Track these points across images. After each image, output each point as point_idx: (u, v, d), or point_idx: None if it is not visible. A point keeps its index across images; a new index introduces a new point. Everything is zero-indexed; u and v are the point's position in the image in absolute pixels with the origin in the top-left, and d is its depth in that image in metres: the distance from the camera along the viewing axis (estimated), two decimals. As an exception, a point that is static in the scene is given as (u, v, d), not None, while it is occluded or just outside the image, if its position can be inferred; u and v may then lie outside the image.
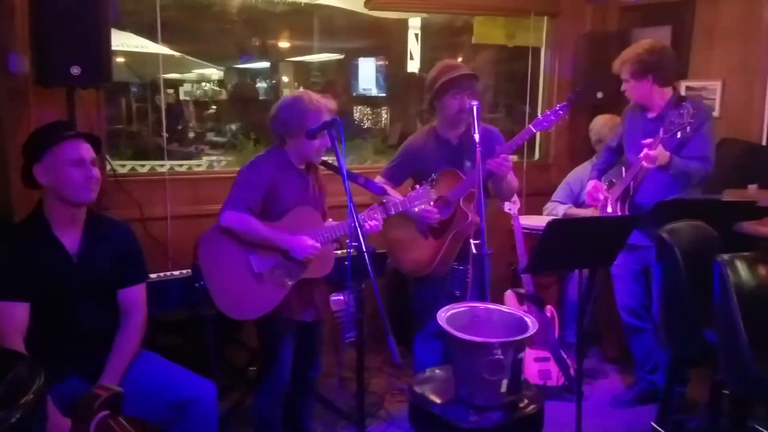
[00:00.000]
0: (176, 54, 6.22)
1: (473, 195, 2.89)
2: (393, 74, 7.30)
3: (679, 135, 2.84)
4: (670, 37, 4.14)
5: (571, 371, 3.47)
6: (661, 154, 2.91)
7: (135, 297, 2.37)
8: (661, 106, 3.14)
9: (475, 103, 2.76)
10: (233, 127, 6.93)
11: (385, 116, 7.35)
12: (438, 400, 2.18)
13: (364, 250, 2.12)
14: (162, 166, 3.64)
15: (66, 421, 1.94)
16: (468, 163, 2.95)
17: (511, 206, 3.47)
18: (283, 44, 7.77)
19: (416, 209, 2.65)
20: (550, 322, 3.59)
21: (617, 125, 3.50)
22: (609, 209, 3.22)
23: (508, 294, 3.64)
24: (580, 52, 4.42)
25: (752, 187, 3.52)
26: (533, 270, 3.32)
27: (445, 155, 3.01)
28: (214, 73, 8.70)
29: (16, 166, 2.44)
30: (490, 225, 2.79)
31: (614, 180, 3.29)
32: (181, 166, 4.71)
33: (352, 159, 4.86)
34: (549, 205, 4.02)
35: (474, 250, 2.85)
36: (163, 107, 4.08)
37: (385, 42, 7.05)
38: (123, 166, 4.01)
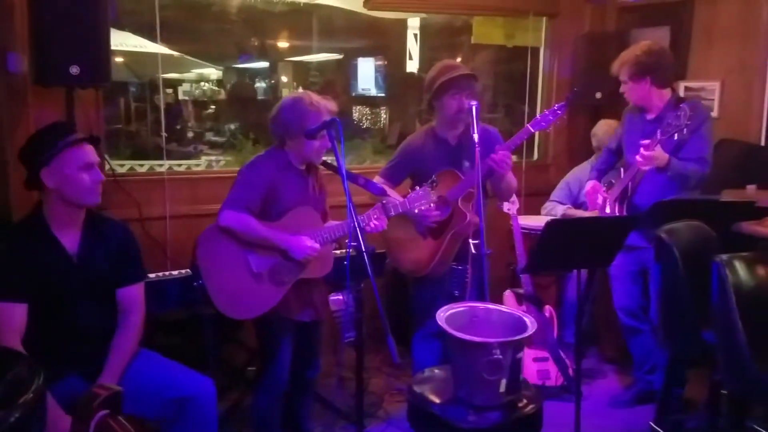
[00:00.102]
0: (175, 54, 6.21)
1: (472, 195, 2.89)
2: (392, 74, 7.31)
3: (676, 137, 2.84)
4: (669, 38, 4.15)
5: (570, 371, 3.48)
6: (659, 155, 2.91)
7: (133, 296, 2.38)
8: (659, 108, 3.14)
9: (474, 103, 2.76)
10: (232, 126, 6.93)
11: (384, 116, 7.34)
12: (437, 400, 2.18)
13: (364, 250, 2.12)
14: (161, 165, 3.64)
15: (67, 418, 1.94)
16: (466, 164, 2.96)
17: (510, 206, 3.48)
18: (282, 44, 7.77)
19: (416, 210, 2.66)
20: (549, 323, 3.59)
21: (618, 128, 3.51)
22: (607, 210, 3.22)
23: (507, 294, 3.64)
24: (578, 53, 4.43)
25: (751, 188, 3.52)
26: (532, 270, 3.32)
27: (444, 155, 3.01)
28: (213, 72, 8.70)
29: (15, 166, 2.44)
30: (489, 225, 2.80)
31: (613, 181, 3.29)
32: (179, 165, 4.71)
33: (351, 159, 4.86)
34: (548, 205, 4.03)
35: (473, 250, 2.85)
36: (162, 107, 4.09)
37: (384, 42, 7.05)
38: (122, 165, 4.00)
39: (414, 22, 6.20)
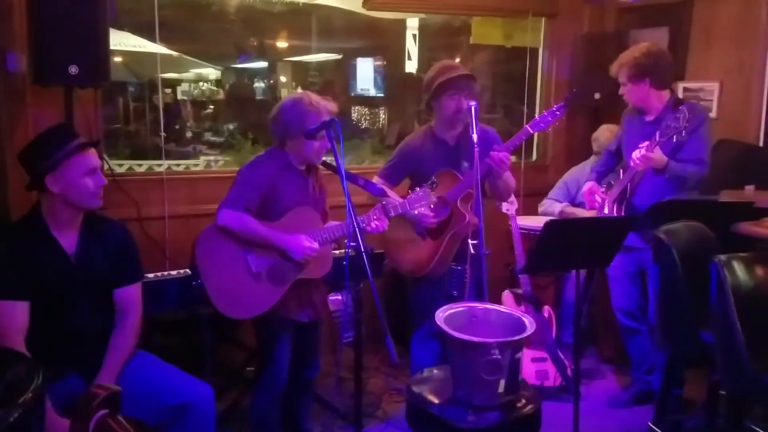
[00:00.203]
0: (174, 53, 6.21)
1: (470, 195, 2.89)
2: (391, 74, 7.31)
3: (675, 139, 2.85)
4: (668, 38, 4.15)
5: (569, 371, 3.48)
6: (658, 157, 2.92)
7: (131, 296, 2.37)
8: (658, 109, 3.15)
9: (473, 103, 2.76)
10: (231, 126, 6.93)
11: (383, 116, 7.35)
12: (435, 400, 2.18)
13: (363, 250, 2.12)
14: (159, 165, 3.64)
15: (63, 421, 1.94)
16: (465, 164, 2.96)
17: (508, 206, 3.48)
18: (281, 44, 7.76)
19: (416, 212, 2.66)
20: (548, 323, 3.59)
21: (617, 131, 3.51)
22: (606, 210, 3.23)
23: (506, 294, 3.64)
24: (577, 53, 4.43)
25: (749, 188, 3.52)
26: (531, 270, 3.32)
27: (443, 156, 3.01)
28: (212, 72, 8.69)
29: (13, 166, 2.44)
30: (488, 225, 2.80)
31: (612, 182, 3.30)
32: (178, 165, 4.71)
33: (350, 159, 4.87)
34: (545, 202, 4.02)
35: (472, 251, 2.85)
36: (161, 107, 4.09)
37: (383, 42, 7.05)
38: (120, 165, 4.01)
39: (413, 23, 6.20)
